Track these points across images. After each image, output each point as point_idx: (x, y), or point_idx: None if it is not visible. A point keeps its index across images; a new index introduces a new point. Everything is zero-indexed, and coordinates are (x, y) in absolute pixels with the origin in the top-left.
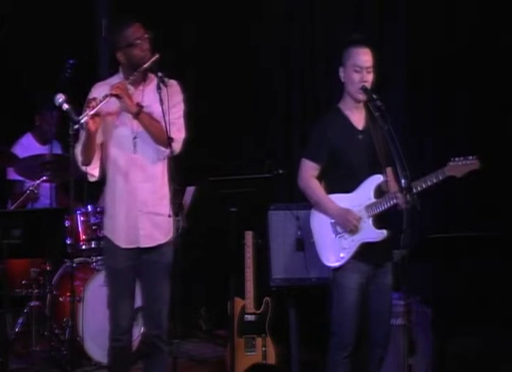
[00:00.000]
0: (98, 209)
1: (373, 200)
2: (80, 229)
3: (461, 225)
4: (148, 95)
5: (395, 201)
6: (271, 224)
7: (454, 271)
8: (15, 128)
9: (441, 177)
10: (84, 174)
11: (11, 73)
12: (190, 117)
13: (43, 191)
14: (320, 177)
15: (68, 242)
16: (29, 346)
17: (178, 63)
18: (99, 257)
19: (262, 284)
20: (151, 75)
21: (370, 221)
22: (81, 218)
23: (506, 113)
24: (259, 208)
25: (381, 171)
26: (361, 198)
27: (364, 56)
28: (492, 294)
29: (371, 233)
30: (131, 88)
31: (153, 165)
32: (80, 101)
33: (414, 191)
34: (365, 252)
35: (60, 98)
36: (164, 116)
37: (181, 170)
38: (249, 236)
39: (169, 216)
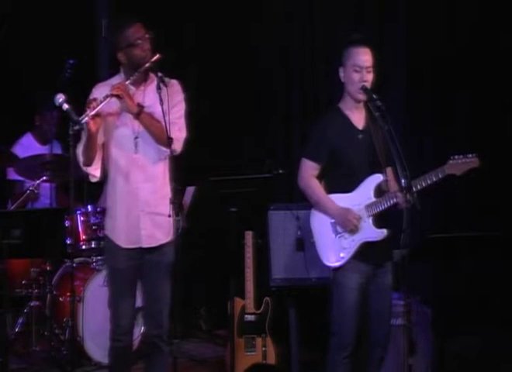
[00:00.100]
0: (98, 209)
1: (373, 199)
2: (80, 229)
3: (461, 224)
4: (149, 95)
5: (395, 200)
6: (271, 224)
7: (454, 271)
8: (15, 128)
9: (440, 176)
10: (86, 175)
11: (11, 73)
12: (190, 117)
13: (43, 191)
14: (320, 177)
15: (68, 242)
16: (29, 346)
17: (179, 63)
18: (99, 257)
19: (262, 284)
20: (152, 75)
21: (370, 220)
22: (81, 218)
23: (506, 113)
24: (259, 208)
25: (381, 171)
26: (361, 198)
27: (364, 56)
28: (492, 294)
29: (372, 233)
30: (132, 88)
31: (155, 165)
32: (80, 101)
33: (414, 189)
34: (365, 252)
35: (60, 98)
36: (164, 116)
37: (181, 170)
38: (249, 236)
39: (169, 216)
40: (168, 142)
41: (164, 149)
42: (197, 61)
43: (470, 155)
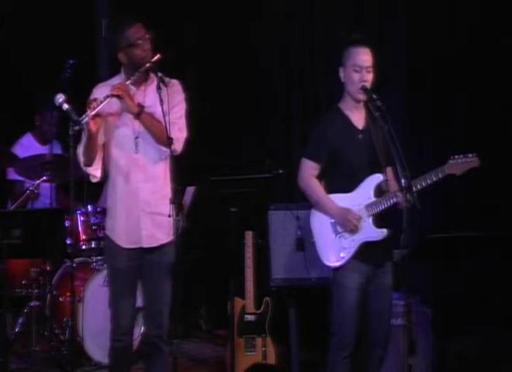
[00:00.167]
0: (98, 209)
1: (373, 199)
2: (80, 229)
3: (461, 224)
4: (150, 95)
5: (395, 200)
6: (271, 224)
7: (454, 271)
8: (15, 128)
9: (440, 175)
10: (86, 175)
11: (11, 73)
12: (191, 117)
13: (43, 191)
14: (320, 177)
15: (68, 242)
16: (29, 346)
17: (179, 63)
18: (99, 257)
19: (262, 284)
20: (153, 75)
21: (370, 220)
22: (81, 218)
23: (506, 113)
24: (259, 208)
25: (381, 171)
26: (361, 198)
27: (364, 56)
28: (492, 294)
29: (372, 232)
30: (132, 88)
31: (155, 165)
32: (80, 101)
33: (414, 189)
34: (365, 252)
35: (60, 98)
36: (164, 116)
37: (181, 170)
38: (249, 236)
39: (169, 216)
40: (168, 142)
41: (164, 149)
42: (197, 61)
43: (470, 155)
